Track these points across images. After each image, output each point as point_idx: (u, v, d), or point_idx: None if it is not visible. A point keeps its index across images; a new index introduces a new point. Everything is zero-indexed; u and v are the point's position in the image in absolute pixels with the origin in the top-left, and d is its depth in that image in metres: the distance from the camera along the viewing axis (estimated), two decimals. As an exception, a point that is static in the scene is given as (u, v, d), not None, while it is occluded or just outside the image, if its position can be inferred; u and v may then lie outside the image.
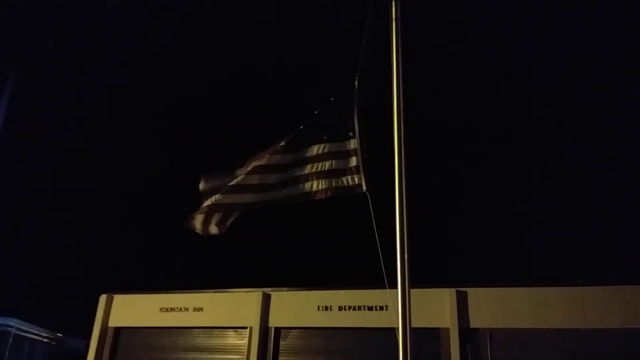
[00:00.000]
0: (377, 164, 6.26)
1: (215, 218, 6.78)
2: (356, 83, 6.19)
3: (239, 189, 6.56)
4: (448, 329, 15.32)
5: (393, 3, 5.84)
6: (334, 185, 6.27)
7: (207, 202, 6.68)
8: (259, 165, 6.52)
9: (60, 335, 29.52)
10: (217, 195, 6.63)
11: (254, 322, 17.24)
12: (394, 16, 5.71)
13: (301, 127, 6.56)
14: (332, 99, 6.43)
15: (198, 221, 6.81)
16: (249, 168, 6.58)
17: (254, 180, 6.52)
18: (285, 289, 17.97)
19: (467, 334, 15.24)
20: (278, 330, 17.27)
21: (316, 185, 6.34)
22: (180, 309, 18.65)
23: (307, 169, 6.40)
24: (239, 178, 6.57)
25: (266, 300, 17.60)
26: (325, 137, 6.42)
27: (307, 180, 6.38)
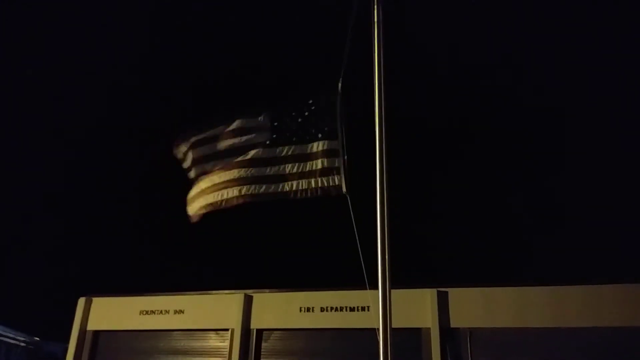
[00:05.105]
0: (358, 166, 6.31)
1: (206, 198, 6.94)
2: (339, 85, 6.24)
3: (230, 183, 6.70)
4: (429, 329, 15.45)
5: (375, 7, 5.88)
6: (313, 186, 6.35)
7: (201, 178, 6.91)
8: (245, 160, 6.67)
9: (38, 339, 28.95)
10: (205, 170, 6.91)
11: (236, 324, 17.15)
12: (375, 19, 5.75)
13: (277, 123, 6.68)
14: (310, 101, 6.50)
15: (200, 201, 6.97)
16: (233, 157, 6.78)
17: (242, 173, 6.68)
18: (267, 290, 17.91)
19: (448, 333, 15.38)
20: (260, 332, 17.20)
21: (297, 184, 6.42)
22: (161, 311, 18.45)
23: (289, 168, 6.49)
24: (228, 171, 6.74)
25: (248, 302, 17.53)
26: (307, 138, 6.51)
27: (288, 179, 6.46)
